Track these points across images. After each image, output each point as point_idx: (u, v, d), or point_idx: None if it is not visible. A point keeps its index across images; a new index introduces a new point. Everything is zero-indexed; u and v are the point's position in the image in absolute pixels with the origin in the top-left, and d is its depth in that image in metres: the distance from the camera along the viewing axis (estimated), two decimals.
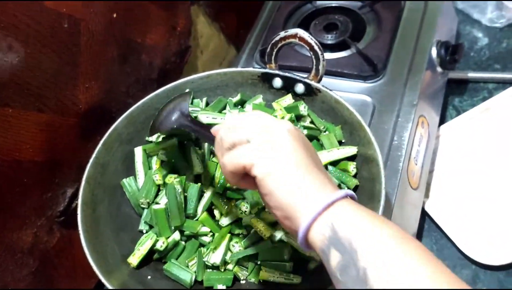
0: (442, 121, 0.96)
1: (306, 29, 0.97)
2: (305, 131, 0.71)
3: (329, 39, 0.95)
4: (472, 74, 1.01)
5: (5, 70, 0.58)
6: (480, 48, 1.07)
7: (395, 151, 0.78)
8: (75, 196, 0.74)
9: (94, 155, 0.67)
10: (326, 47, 0.94)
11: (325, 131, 0.72)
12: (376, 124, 0.82)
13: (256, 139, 0.48)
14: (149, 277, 0.63)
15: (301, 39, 0.70)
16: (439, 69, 0.93)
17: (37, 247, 0.70)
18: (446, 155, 0.92)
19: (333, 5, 1.02)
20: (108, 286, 0.55)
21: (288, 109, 0.73)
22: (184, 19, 0.91)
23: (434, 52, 0.91)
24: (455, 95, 1.01)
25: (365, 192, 0.65)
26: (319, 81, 0.72)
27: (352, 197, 0.47)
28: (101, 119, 0.76)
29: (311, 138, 0.71)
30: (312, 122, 0.72)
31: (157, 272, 0.64)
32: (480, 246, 0.79)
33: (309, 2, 1.03)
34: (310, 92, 0.73)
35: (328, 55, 0.92)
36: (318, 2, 1.03)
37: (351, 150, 0.68)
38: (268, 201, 0.47)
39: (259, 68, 0.76)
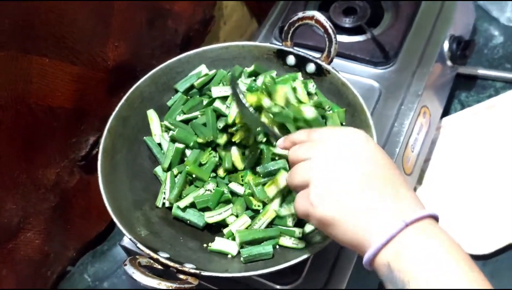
0: (446, 113, 1.01)
1: (326, 10, 1.01)
2: (313, 109, 0.76)
3: (347, 22, 0.99)
4: (482, 71, 1.05)
5: (46, 25, 0.65)
6: (494, 46, 1.10)
7: (394, 137, 0.83)
8: (96, 144, 0.81)
9: (117, 109, 0.73)
10: (343, 30, 0.99)
11: (329, 111, 0.77)
12: (380, 109, 0.87)
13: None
14: (156, 224, 0.70)
15: (317, 21, 0.75)
16: (449, 63, 0.97)
17: (58, 186, 0.78)
18: (444, 146, 0.97)
19: None
20: (119, 225, 0.62)
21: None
22: None
23: (446, 45, 0.95)
24: (462, 90, 1.05)
25: None
26: (329, 63, 0.77)
27: (434, 217, 0.46)
28: (126, 76, 0.83)
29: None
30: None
31: (164, 220, 0.71)
32: (466, 236, 0.84)
33: None
34: (320, 73, 0.79)
35: (344, 38, 0.97)
36: None
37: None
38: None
39: (275, 44, 0.81)
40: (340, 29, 0.99)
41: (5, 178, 0.67)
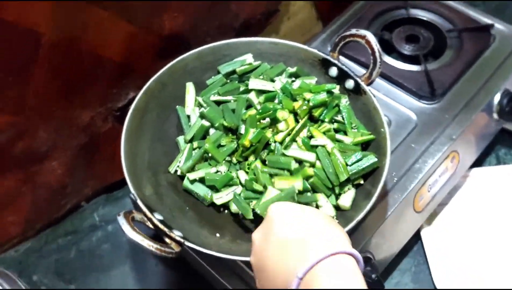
0: (479, 164, 0.99)
1: (390, 33, 1.02)
2: (331, 126, 0.78)
3: (405, 49, 0.99)
4: None
5: None
6: None
7: (413, 172, 0.83)
8: (133, 100, 0.86)
9: (158, 74, 0.78)
10: (400, 56, 0.99)
11: (354, 129, 0.79)
12: (409, 142, 0.87)
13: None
14: (163, 188, 0.74)
15: (367, 42, 0.76)
16: (495, 116, 0.95)
17: (90, 128, 0.84)
18: (467, 196, 0.95)
19: (425, 18, 1.04)
20: (126, 177, 0.67)
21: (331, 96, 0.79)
22: None
23: (497, 98, 0.93)
24: (503, 146, 1.02)
25: (363, 190, 0.73)
26: (368, 84, 0.78)
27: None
28: (178, 47, 0.87)
29: (336, 130, 0.78)
30: (343, 118, 0.79)
31: (172, 187, 0.76)
32: (453, 287, 0.84)
33: (404, 8, 1.06)
34: (357, 91, 0.80)
35: (398, 64, 0.97)
36: (413, 11, 1.06)
37: (369, 137, 0.75)
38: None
39: (324, 53, 0.82)
40: (398, 54, 1.00)
41: (43, 109, 0.73)
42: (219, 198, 0.73)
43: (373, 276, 0.75)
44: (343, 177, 0.70)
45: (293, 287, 0.47)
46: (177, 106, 0.81)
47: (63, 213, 0.92)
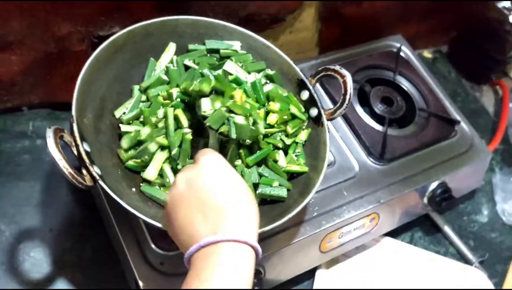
0: (394, 235, 1.04)
1: (371, 87, 1.06)
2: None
3: (378, 108, 1.03)
4: (447, 229, 1.08)
5: None
6: (475, 221, 1.13)
7: (333, 215, 0.87)
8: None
9: (147, 22, 0.79)
10: (370, 111, 1.03)
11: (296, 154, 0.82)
12: (341, 187, 0.91)
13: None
14: (102, 124, 0.75)
15: (344, 82, 0.79)
16: (425, 200, 0.99)
17: (64, 41, 0.85)
18: (369, 259, 1.00)
19: (406, 89, 1.09)
20: (74, 96, 0.67)
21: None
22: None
23: (433, 185, 0.98)
24: (421, 229, 1.08)
25: (281, 206, 0.76)
26: (329, 120, 0.82)
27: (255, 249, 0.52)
28: (177, 5, 0.89)
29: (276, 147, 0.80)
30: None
31: (111, 130, 0.77)
32: None
33: (394, 72, 1.11)
34: (317, 121, 0.83)
35: (365, 117, 1.01)
36: (399, 78, 1.11)
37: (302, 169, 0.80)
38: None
39: (302, 74, 0.85)
40: (369, 108, 1.04)
41: (25, 5, 0.73)
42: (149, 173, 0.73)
43: (256, 288, 0.78)
44: None
45: (191, 249, 0.50)
46: (151, 58, 0.82)
47: (0, 109, 0.90)
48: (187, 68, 0.82)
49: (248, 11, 0.98)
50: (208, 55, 0.85)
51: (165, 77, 0.80)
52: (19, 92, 0.89)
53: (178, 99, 0.76)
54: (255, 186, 0.76)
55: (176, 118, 0.74)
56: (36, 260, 0.79)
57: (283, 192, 0.76)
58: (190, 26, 0.84)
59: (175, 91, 0.76)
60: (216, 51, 0.85)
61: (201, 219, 0.52)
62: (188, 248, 0.51)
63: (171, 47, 0.83)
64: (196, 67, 0.81)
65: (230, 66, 0.81)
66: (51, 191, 0.86)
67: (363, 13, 1.16)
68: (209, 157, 0.59)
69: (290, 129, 0.80)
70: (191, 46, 0.85)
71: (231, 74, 0.81)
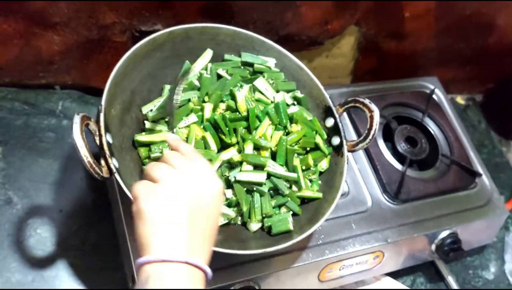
0: (394, 276, 1.03)
1: (398, 124, 1.06)
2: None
3: (401, 146, 1.03)
4: (450, 280, 1.06)
5: None
6: (480, 276, 1.11)
7: (337, 246, 0.86)
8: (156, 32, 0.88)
9: (189, 26, 0.81)
10: (393, 148, 1.03)
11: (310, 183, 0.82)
12: (351, 219, 0.91)
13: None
14: (128, 117, 0.76)
15: (371, 117, 0.80)
16: (433, 247, 0.99)
17: (106, 30, 0.87)
18: None
19: (432, 132, 1.09)
20: (106, 88, 0.69)
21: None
22: (338, 26, 1.02)
23: (443, 234, 0.97)
24: (423, 275, 1.06)
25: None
26: (350, 150, 0.82)
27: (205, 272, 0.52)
28: (221, 14, 0.90)
29: None
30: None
31: (137, 124, 0.78)
32: None
33: (423, 113, 1.10)
34: (338, 150, 0.83)
35: (386, 154, 1.01)
36: (427, 120, 1.10)
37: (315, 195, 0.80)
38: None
39: (331, 101, 0.86)
40: (392, 145, 1.03)
41: None
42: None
43: None
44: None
45: (140, 260, 0.50)
46: (187, 60, 0.83)
47: (35, 84, 0.93)
48: (219, 76, 0.83)
49: (288, 30, 0.99)
50: (242, 67, 0.86)
51: (197, 83, 0.81)
52: (55, 71, 0.91)
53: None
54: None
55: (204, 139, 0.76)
56: (42, 238, 0.81)
57: (285, 224, 0.76)
58: (230, 36, 0.85)
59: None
60: (250, 64, 0.86)
61: (161, 228, 0.52)
62: (144, 253, 0.51)
63: (208, 53, 0.84)
64: (229, 77, 0.83)
65: (260, 83, 0.82)
66: (68, 173, 0.87)
67: (402, 50, 1.15)
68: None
69: (310, 161, 0.81)
70: (226, 56, 0.86)
71: (260, 91, 0.82)
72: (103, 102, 0.68)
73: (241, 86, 0.83)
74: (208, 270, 0.52)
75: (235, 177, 0.74)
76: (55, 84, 0.95)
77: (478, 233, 1.06)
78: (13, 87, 0.92)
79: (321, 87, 0.86)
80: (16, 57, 0.85)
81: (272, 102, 0.83)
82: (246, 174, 0.74)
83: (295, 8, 0.95)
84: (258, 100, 0.82)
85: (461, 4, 1.07)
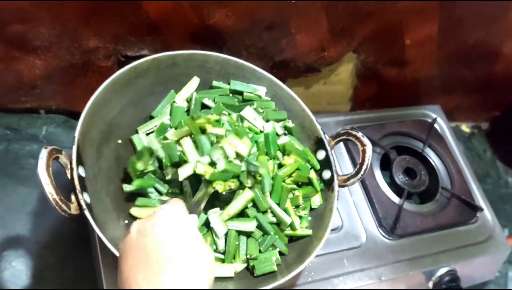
0: None
1: (397, 154, 1.02)
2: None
3: (399, 178, 0.98)
4: None
5: None
6: None
7: (328, 283, 0.83)
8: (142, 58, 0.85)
9: (176, 52, 0.77)
10: (391, 179, 0.99)
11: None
12: (344, 255, 0.87)
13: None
14: (105, 149, 0.72)
15: (364, 151, 0.76)
16: (430, 285, 0.94)
17: (90, 55, 0.84)
18: None
19: (432, 163, 1.04)
20: (83, 113, 0.66)
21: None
22: (336, 53, 0.98)
23: (441, 271, 0.92)
24: None
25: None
26: (341, 185, 0.78)
27: None
28: (212, 40, 0.88)
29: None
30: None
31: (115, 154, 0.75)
32: None
33: (423, 143, 1.06)
34: (328, 185, 0.79)
35: (383, 186, 0.97)
36: (428, 150, 1.06)
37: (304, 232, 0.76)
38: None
39: (324, 133, 0.82)
40: (389, 176, 0.99)
41: (61, 12, 0.72)
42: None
43: None
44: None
45: None
46: (172, 90, 0.80)
47: (17, 108, 0.90)
48: (205, 106, 0.80)
49: (283, 57, 0.96)
50: (231, 95, 0.82)
51: (181, 106, 0.78)
52: (38, 95, 0.89)
53: None
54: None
55: None
56: (16, 271, 0.77)
57: (270, 267, 0.72)
58: (219, 64, 0.82)
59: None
60: (240, 93, 0.82)
61: (143, 272, 0.49)
62: None
63: (194, 81, 0.81)
64: (211, 104, 0.79)
65: (248, 112, 0.79)
66: (47, 202, 0.83)
67: (403, 77, 1.12)
68: (168, 210, 0.55)
69: (300, 200, 0.77)
70: (215, 83, 0.83)
71: (248, 121, 0.79)
72: (76, 133, 0.64)
73: (229, 114, 0.79)
74: None
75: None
76: (39, 108, 0.92)
77: (479, 270, 1.01)
78: None
79: (313, 118, 0.82)
80: None
81: (261, 131, 0.80)
82: (235, 223, 0.71)
83: (290, 36, 0.92)
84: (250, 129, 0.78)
85: (465, 32, 1.03)
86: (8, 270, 0.77)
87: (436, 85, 1.17)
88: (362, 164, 0.76)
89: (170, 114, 0.78)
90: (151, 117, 0.79)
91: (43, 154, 0.58)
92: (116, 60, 0.86)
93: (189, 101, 0.80)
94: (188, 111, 0.79)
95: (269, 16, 0.87)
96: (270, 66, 0.85)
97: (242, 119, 0.79)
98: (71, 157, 0.62)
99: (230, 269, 0.70)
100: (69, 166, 0.62)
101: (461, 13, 0.98)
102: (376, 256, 0.89)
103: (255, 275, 0.71)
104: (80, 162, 0.64)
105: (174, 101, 0.79)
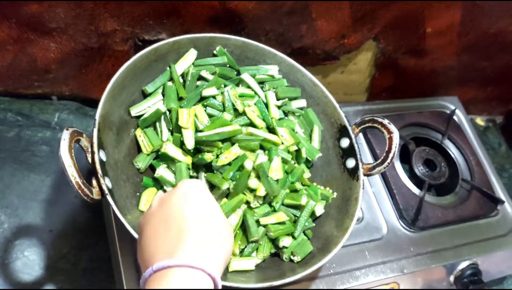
0: None
1: (416, 146, 0.99)
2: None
3: (419, 169, 0.96)
4: None
5: None
6: None
7: (349, 276, 0.80)
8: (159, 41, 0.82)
9: (195, 35, 0.75)
10: (410, 171, 0.97)
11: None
12: (365, 247, 0.84)
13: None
14: (123, 126, 0.70)
15: (390, 139, 0.73)
16: (451, 279, 0.91)
17: (106, 38, 0.81)
18: None
19: (452, 155, 1.02)
20: (103, 97, 0.63)
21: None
22: (356, 41, 0.96)
23: (463, 265, 0.90)
24: None
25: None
26: (365, 174, 0.75)
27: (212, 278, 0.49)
28: (230, 23, 0.85)
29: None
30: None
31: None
32: None
33: (443, 135, 1.03)
34: (352, 174, 0.77)
35: (403, 177, 0.94)
36: (447, 142, 1.04)
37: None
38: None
39: (347, 121, 0.79)
40: (409, 168, 0.97)
41: None
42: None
43: None
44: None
45: (145, 274, 0.47)
46: (172, 64, 0.75)
47: (29, 93, 0.87)
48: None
49: (302, 43, 0.93)
50: (228, 66, 0.79)
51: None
52: (51, 80, 0.86)
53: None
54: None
55: None
56: (29, 261, 0.74)
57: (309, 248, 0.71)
58: (239, 48, 0.80)
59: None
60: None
61: (163, 239, 0.50)
62: (147, 269, 0.48)
63: (191, 54, 0.76)
64: (207, 76, 0.76)
65: (247, 77, 0.77)
66: (61, 190, 0.81)
67: (421, 68, 1.09)
68: (188, 182, 0.56)
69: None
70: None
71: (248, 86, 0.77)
72: (97, 116, 0.62)
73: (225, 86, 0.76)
74: (214, 276, 0.48)
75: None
76: (52, 94, 0.89)
77: (500, 264, 0.99)
78: (7, 96, 0.86)
79: (337, 105, 0.80)
80: (9, 64, 0.79)
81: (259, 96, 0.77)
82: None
83: (311, 21, 0.89)
84: (242, 96, 0.75)
85: (487, 21, 1.01)
86: (20, 260, 0.74)
87: (453, 76, 1.15)
88: (389, 152, 0.73)
89: (163, 94, 0.73)
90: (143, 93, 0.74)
91: (65, 135, 0.55)
92: (133, 44, 0.84)
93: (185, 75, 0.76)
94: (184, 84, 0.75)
95: (292, 2, 0.84)
96: (288, 53, 0.82)
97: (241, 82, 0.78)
98: (92, 140, 0.59)
99: (251, 263, 0.68)
100: (89, 150, 0.60)
101: (484, 1, 0.95)
102: (398, 249, 0.86)
103: (295, 261, 0.70)
104: (101, 146, 0.61)
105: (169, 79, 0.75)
